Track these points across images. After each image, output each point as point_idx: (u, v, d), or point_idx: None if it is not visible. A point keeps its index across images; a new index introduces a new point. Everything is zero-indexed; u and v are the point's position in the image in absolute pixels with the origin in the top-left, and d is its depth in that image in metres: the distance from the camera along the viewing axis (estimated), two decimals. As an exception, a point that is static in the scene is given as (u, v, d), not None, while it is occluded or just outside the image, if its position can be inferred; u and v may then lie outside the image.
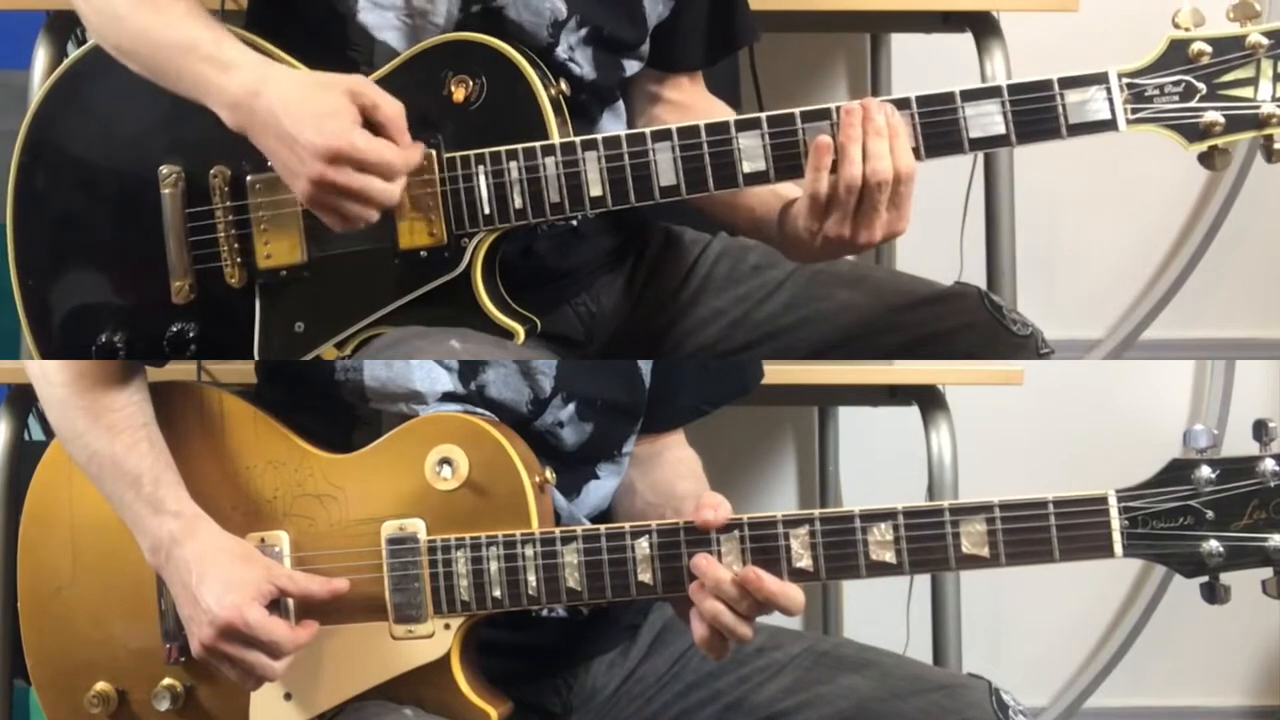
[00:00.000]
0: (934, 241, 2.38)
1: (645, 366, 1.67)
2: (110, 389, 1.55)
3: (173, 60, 1.52)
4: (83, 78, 1.64)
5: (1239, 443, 1.38)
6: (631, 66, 1.69)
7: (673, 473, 1.70)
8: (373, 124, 1.49)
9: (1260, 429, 1.35)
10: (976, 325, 1.66)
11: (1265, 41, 1.42)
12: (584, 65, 1.62)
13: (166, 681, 1.57)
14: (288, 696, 1.52)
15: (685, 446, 1.76)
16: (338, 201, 1.48)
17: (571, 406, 1.59)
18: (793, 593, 1.42)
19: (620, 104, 1.71)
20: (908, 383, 2.19)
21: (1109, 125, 1.45)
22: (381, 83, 1.56)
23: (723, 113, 1.65)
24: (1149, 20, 1.46)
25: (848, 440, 2.70)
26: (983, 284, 1.92)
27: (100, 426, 1.53)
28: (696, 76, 1.79)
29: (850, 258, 1.64)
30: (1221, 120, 1.43)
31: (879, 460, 2.64)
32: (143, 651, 1.57)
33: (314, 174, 1.47)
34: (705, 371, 1.74)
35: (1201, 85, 1.44)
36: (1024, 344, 1.66)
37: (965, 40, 2.24)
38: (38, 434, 2.19)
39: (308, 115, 1.47)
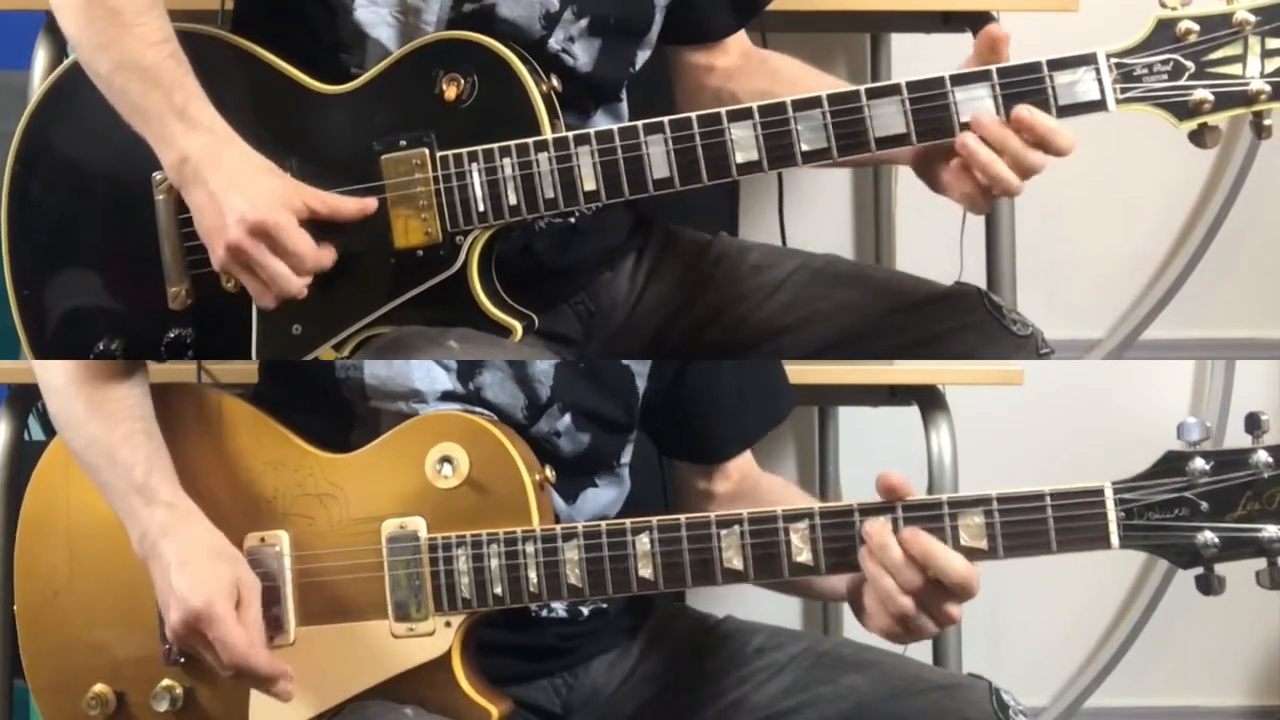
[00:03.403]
0: (934, 241, 2.38)
1: (639, 374, 1.66)
2: (112, 381, 1.55)
3: (134, 89, 1.51)
4: (76, 84, 1.63)
5: (1239, 443, 1.38)
6: (641, 57, 1.69)
7: (788, 494, 1.72)
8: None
9: (1253, 421, 1.36)
10: (976, 325, 1.66)
11: (1252, 18, 1.42)
12: (580, 57, 1.62)
13: (165, 683, 1.57)
14: (288, 696, 1.52)
15: (756, 467, 1.76)
16: (245, 274, 1.51)
17: (568, 417, 1.59)
18: (962, 568, 1.38)
19: (623, 105, 1.71)
20: (908, 383, 2.19)
21: (1098, 105, 1.46)
22: (372, 83, 1.57)
23: (780, 64, 1.72)
24: (1147, 15, 1.46)
25: (848, 440, 2.69)
26: (983, 284, 1.92)
27: (100, 415, 1.54)
28: (739, 36, 1.78)
29: (850, 258, 1.64)
30: (1210, 98, 1.44)
31: (879, 460, 2.60)
32: (141, 653, 1.57)
33: (232, 240, 1.48)
34: (745, 400, 1.73)
35: (1190, 63, 1.44)
36: (1024, 344, 1.66)
37: (965, 40, 2.24)
38: (38, 434, 2.19)
39: (244, 186, 1.49)
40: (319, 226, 1.52)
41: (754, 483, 1.74)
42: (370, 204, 1.54)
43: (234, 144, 1.52)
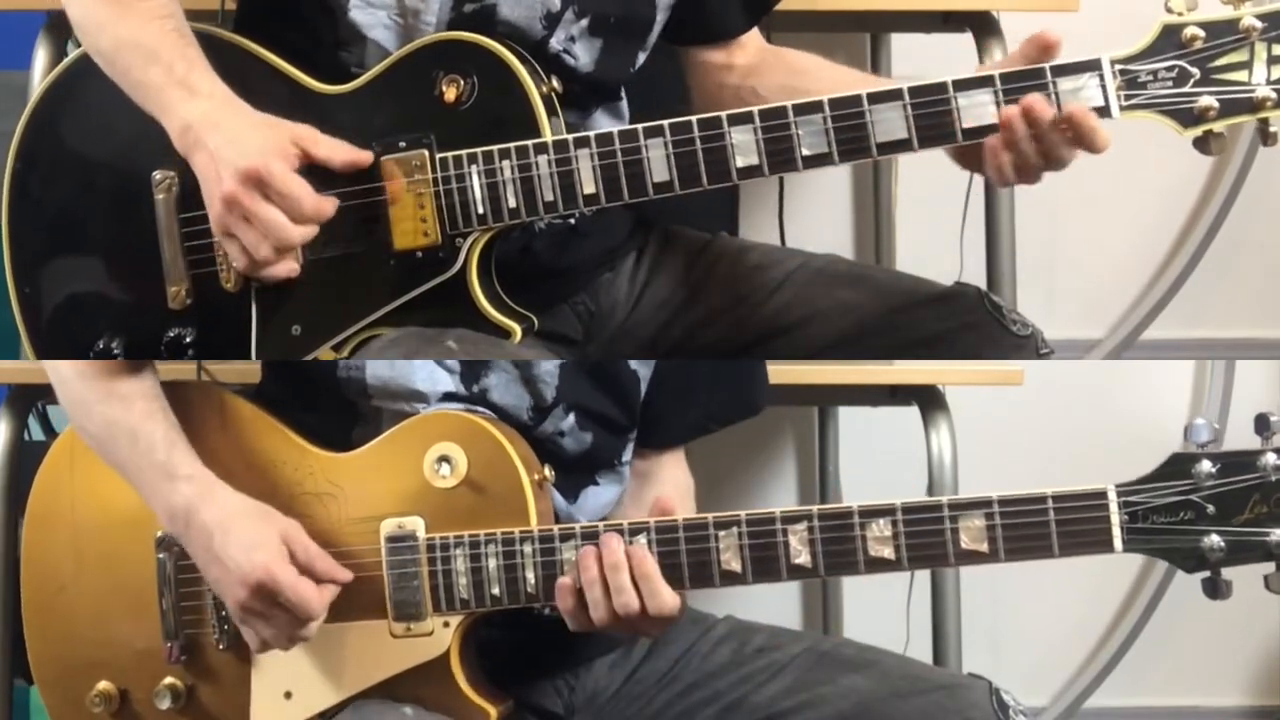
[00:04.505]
0: (934, 241, 2.38)
1: (644, 376, 1.66)
2: (122, 370, 1.56)
3: (136, 65, 1.52)
4: (76, 83, 1.64)
5: (1239, 443, 1.37)
6: (641, 57, 1.68)
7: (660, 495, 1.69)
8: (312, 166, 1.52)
9: (1262, 423, 1.35)
10: (976, 325, 1.65)
11: (1259, 24, 1.42)
12: (581, 56, 1.62)
13: (168, 681, 1.57)
14: (288, 695, 1.52)
15: (681, 469, 1.75)
16: (242, 226, 1.49)
17: (572, 417, 1.59)
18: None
19: (622, 104, 1.71)
20: (908, 383, 2.19)
21: (1103, 112, 1.45)
22: (372, 84, 1.57)
23: (797, 58, 1.71)
24: (1150, 20, 1.45)
25: (848, 440, 2.70)
26: (983, 284, 1.92)
27: (114, 397, 1.54)
28: (753, 33, 1.77)
29: (850, 258, 1.63)
30: (1216, 105, 1.43)
31: (879, 460, 2.63)
32: (144, 650, 1.58)
33: (227, 192, 1.47)
34: (711, 388, 1.73)
35: (1195, 70, 1.43)
36: (1024, 344, 1.66)
37: (965, 40, 2.24)
38: (38, 434, 2.19)
39: (239, 140, 1.49)
40: (318, 178, 1.51)
41: (659, 466, 1.71)
42: (364, 157, 1.53)
43: (234, 106, 1.51)
